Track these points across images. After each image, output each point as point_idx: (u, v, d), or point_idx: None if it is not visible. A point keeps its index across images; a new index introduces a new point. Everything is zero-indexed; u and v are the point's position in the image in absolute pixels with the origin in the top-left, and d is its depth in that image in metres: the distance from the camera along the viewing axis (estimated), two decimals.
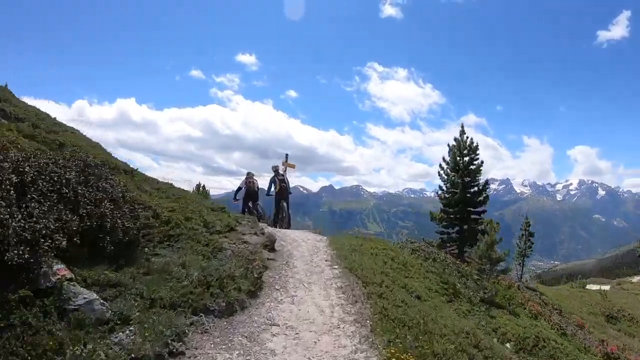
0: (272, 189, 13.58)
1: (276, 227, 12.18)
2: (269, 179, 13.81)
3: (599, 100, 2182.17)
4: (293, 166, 15.45)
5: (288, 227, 12.93)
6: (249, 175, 13.04)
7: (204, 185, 38.02)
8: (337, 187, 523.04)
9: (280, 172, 13.96)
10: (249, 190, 12.83)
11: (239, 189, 13.03)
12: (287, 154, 15.48)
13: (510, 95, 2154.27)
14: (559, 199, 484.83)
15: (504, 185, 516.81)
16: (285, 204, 13.40)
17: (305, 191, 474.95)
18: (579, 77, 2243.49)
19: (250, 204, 12.79)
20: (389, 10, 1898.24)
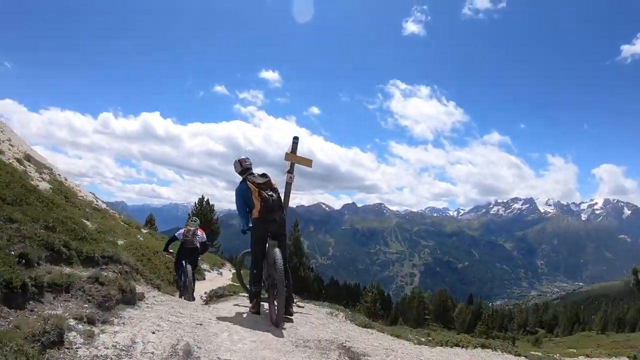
0: (249, 213, 5.46)
1: (254, 310, 5.30)
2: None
3: (624, 117, 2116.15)
4: (309, 163, 8.12)
5: (288, 307, 5.17)
6: (191, 222, 9.47)
7: (207, 200, 34.42)
8: (359, 205, 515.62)
9: (257, 174, 5.56)
10: (184, 245, 9.13)
11: (173, 239, 9.53)
12: (295, 137, 8.09)
13: (534, 113, 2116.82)
14: (583, 219, 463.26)
15: (527, 205, 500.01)
16: (277, 250, 5.02)
17: (327, 208, 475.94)
18: (603, 93, 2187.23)
19: (184, 263, 9.20)
20: (411, 28, 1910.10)
